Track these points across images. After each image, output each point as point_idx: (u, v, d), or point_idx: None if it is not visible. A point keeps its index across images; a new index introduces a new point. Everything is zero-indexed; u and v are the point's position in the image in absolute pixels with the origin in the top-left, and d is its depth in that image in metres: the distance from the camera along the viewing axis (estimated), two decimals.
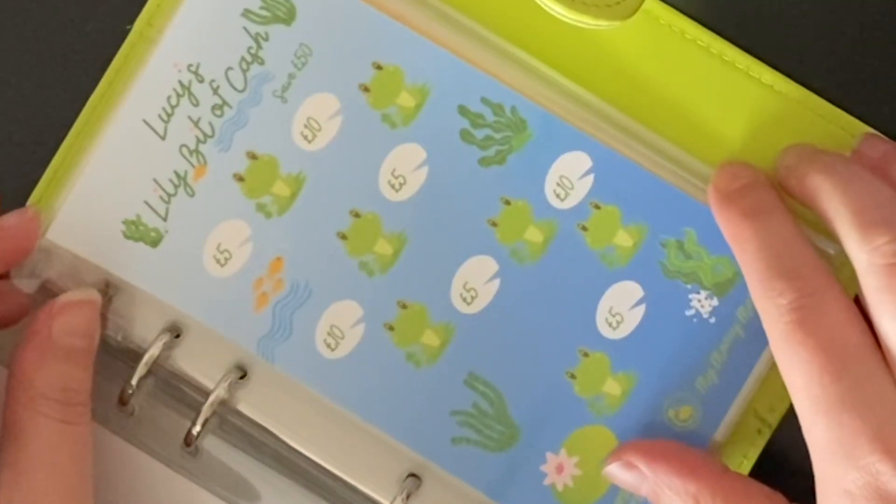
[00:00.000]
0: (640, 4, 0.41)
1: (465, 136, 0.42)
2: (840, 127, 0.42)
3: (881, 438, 0.35)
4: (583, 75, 0.42)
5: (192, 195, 0.42)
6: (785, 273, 0.38)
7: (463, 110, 0.42)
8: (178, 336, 0.42)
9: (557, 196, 0.42)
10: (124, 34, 0.42)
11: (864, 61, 0.43)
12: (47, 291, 0.42)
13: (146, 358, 0.41)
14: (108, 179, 0.42)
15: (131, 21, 0.42)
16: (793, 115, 0.42)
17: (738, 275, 0.41)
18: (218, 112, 0.42)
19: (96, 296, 0.41)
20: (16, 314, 0.41)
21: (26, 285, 0.42)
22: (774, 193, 0.40)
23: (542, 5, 0.41)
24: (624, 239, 0.42)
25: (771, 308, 0.38)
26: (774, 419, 0.42)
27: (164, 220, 0.42)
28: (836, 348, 0.37)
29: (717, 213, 0.40)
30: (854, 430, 0.36)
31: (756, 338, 0.41)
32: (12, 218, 0.42)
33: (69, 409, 0.39)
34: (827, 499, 0.37)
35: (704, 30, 0.42)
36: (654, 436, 0.42)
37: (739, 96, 0.42)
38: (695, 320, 0.42)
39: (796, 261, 0.38)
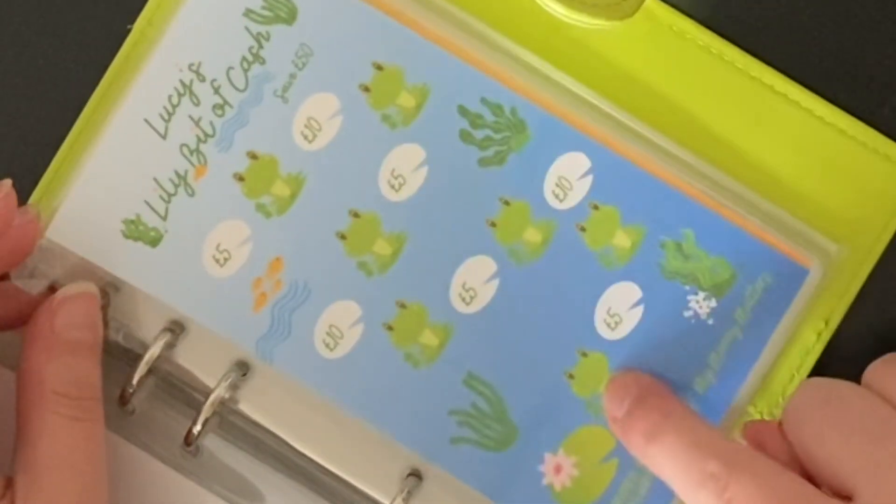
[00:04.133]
0: (641, 4, 0.41)
1: (465, 136, 0.42)
2: (838, 129, 0.42)
3: None
4: (582, 75, 0.42)
5: (193, 195, 0.42)
6: (704, 467, 0.36)
7: (463, 110, 0.42)
8: (178, 335, 0.42)
9: (556, 196, 0.42)
10: (125, 34, 0.43)
11: (864, 61, 0.43)
12: (53, 292, 0.41)
13: (147, 357, 0.41)
14: (109, 178, 0.42)
15: (132, 21, 0.43)
16: (792, 116, 0.42)
17: (735, 276, 0.41)
18: (219, 111, 0.42)
19: (94, 288, 0.41)
20: (20, 316, 0.41)
21: (33, 286, 0.42)
22: (661, 401, 0.39)
23: (542, 4, 0.41)
24: (622, 240, 0.42)
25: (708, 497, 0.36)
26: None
27: (164, 219, 0.42)
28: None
29: (623, 442, 0.40)
30: None
31: (754, 340, 0.41)
32: (14, 217, 0.41)
33: (80, 403, 0.39)
34: None
35: (704, 29, 0.42)
36: None
37: (739, 96, 0.42)
38: (693, 321, 0.42)
39: (711, 448, 0.37)
